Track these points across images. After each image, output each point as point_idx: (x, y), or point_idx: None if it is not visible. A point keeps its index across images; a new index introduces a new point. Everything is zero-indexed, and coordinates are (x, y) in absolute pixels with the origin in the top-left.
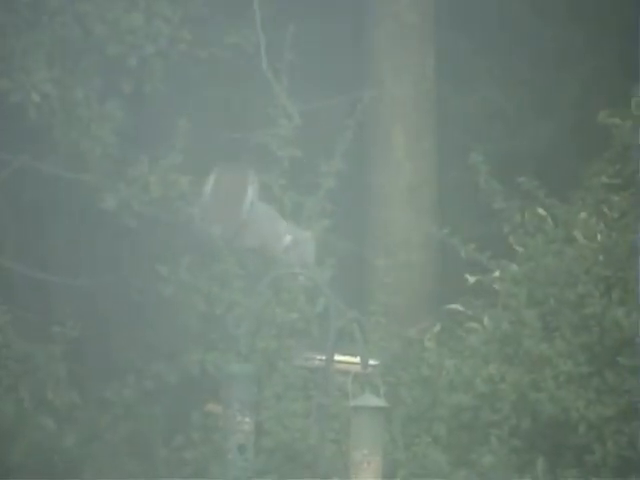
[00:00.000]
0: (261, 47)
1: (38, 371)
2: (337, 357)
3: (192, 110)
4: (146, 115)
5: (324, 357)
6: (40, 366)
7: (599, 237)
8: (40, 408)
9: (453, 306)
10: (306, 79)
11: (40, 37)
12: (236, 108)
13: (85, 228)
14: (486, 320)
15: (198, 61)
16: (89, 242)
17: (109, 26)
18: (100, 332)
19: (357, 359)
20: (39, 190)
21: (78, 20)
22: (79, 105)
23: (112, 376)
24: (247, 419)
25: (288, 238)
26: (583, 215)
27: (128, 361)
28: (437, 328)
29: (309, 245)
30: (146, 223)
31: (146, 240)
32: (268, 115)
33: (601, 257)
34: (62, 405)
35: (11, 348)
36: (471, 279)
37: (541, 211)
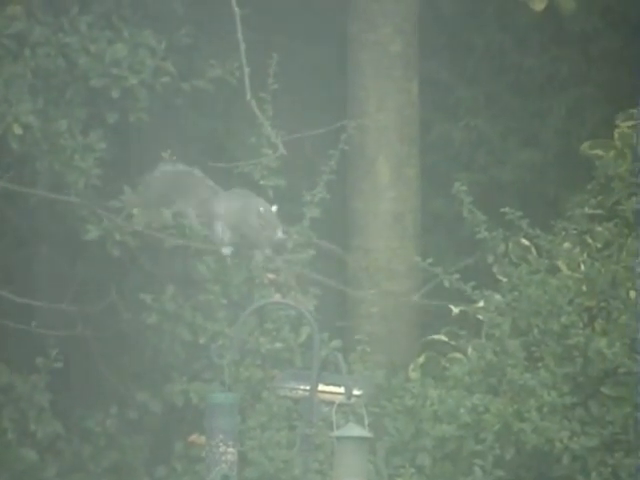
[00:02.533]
0: (245, 77)
1: (21, 401)
2: (321, 387)
3: (176, 141)
4: (130, 146)
5: (308, 387)
6: (23, 396)
7: (582, 267)
8: (22, 439)
9: (437, 336)
10: (290, 108)
11: (23, 68)
12: (220, 138)
13: (69, 256)
14: (470, 350)
15: (182, 93)
16: (73, 270)
17: (93, 58)
18: (84, 362)
19: (341, 389)
20: (22, 217)
21: (62, 52)
22: (63, 136)
23: (95, 406)
24: (231, 449)
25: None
26: (567, 245)
27: (111, 391)
28: (421, 358)
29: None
30: (130, 252)
31: (130, 269)
32: (252, 145)
33: (584, 287)
34: (45, 436)
35: None
36: (455, 309)
37: (525, 241)
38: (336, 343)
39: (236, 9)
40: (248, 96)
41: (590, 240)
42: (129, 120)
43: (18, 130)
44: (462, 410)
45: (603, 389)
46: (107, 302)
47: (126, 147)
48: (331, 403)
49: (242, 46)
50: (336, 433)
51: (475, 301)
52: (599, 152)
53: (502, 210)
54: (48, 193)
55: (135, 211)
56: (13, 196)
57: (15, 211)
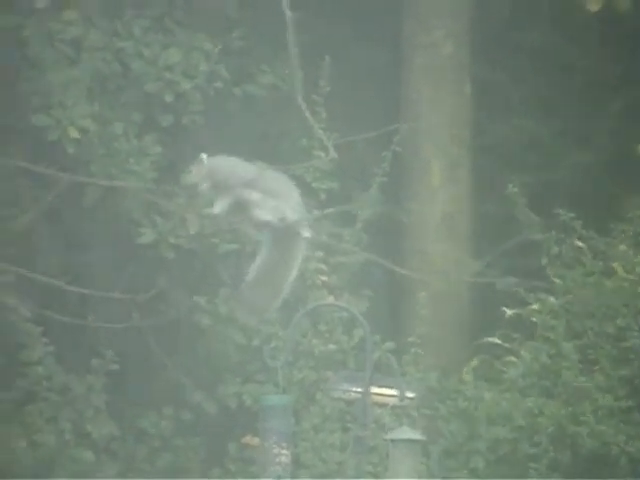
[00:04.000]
0: (296, 81)
1: (77, 403)
2: (374, 389)
3: (229, 143)
4: (184, 149)
5: (361, 389)
6: (79, 398)
7: (638, 269)
8: (79, 440)
9: (490, 339)
10: (342, 111)
11: (79, 73)
12: (272, 141)
13: (124, 258)
14: (524, 353)
15: (234, 97)
16: (128, 273)
17: (147, 62)
18: (138, 363)
19: (394, 391)
20: (78, 220)
21: (117, 56)
22: (118, 140)
23: (150, 407)
24: (284, 451)
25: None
26: (622, 247)
27: (166, 392)
28: (474, 361)
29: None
30: (184, 255)
31: (184, 272)
32: (304, 147)
33: None
34: (101, 437)
35: (52, 380)
36: (508, 312)
37: (579, 243)
38: (389, 345)
39: (288, 12)
40: (299, 99)
41: None
42: (182, 124)
43: (74, 134)
44: (516, 413)
45: None
46: (161, 305)
47: (180, 150)
48: (384, 405)
49: (294, 49)
50: (389, 435)
51: (529, 303)
52: None
53: (555, 212)
54: (98, 180)
55: (188, 215)
56: (69, 197)
57: (71, 212)
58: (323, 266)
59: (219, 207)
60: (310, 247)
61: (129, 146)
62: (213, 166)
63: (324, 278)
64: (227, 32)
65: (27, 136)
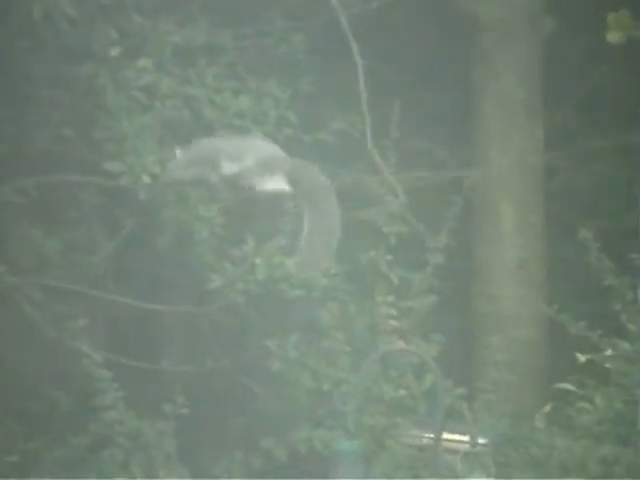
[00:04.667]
0: (366, 127)
1: (149, 448)
2: (446, 435)
3: None
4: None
5: (432, 435)
6: (151, 443)
7: None
8: None
9: (563, 385)
10: (413, 155)
11: (152, 120)
12: (343, 186)
13: (194, 302)
14: (598, 399)
15: (304, 144)
16: (198, 317)
17: (218, 109)
18: (209, 408)
19: (466, 437)
20: (148, 264)
21: (188, 103)
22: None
23: (221, 453)
24: None
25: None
26: None
27: (237, 438)
28: (547, 407)
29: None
30: (254, 299)
31: (255, 316)
32: (375, 192)
33: None
34: None
35: (124, 425)
36: (582, 358)
37: None
38: (460, 391)
39: (359, 59)
40: (369, 145)
41: None
42: None
43: (147, 180)
44: (590, 461)
45: None
46: (231, 349)
47: (249, 194)
48: (456, 452)
49: (364, 96)
50: None
51: (602, 349)
52: None
53: (630, 256)
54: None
55: (258, 260)
56: (141, 243)
57: (142, 258)
58: (393, 311)
59: None
60: (380, 292)
61: (199, 192)
62: (197, 150)
63: (394, 323)
64: (297, 78)
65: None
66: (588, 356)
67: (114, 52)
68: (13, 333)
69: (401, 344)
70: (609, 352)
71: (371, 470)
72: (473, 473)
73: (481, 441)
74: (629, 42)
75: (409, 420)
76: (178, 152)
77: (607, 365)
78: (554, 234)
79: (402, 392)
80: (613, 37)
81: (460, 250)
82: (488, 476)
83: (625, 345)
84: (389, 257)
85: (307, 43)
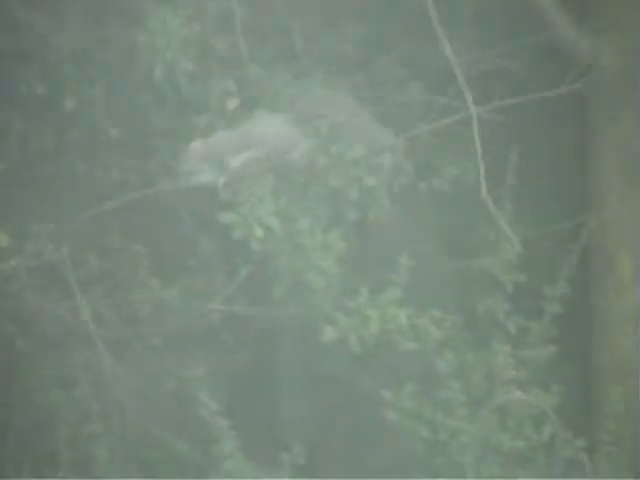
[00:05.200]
0: (480, 176)
1: None
2: None
3: (413, 237)
4: (368, 245)
5: None
6: None
7: None
8: None
9: None
10: (529, 203)
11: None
12: (458, 234)
13: (307, 354)
14: None
15: (419, 192)
16: (313, 367)
17: (333, 158)
18: (325, 457)
19: None
20: (263, 313)
21: None
22: (303, 235)
23: None
24: None
25: None
26: None
27: None
28: None
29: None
30: (369, 350)
31: (369, 366)
32: (490, 241)
33: None
34: None
35: (242, 474)
36: None
37: None
38: (580, 442)
39: (472, 107)
40: (483, 194)
41: None
42: (367, 218)
43: (260, 233)
44: None
45: None
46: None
47: (364, 245)
48: None
49: (479, 144)
50: None
51: None
52: None
53: None
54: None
55: (369, 311)
56: (257, 291)
57: (258, 307)
58: (511, 360)
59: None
60: (497, 341)
61: (314, 242)
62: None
63: (512, 372)
64: (412, 127)
65: (216, 232)
66: None
67: (231, 104)
68: (133, 382)
69: (519, 394)
70: None
71: None
72: None
73: None
74: None
75: (528, 471)
76: (193, 145)
77: None
78: None
79: (521, 443)
80: None
81: (579, 299)
82: None
83: None
84: (506, 306)
85: (422, 91)
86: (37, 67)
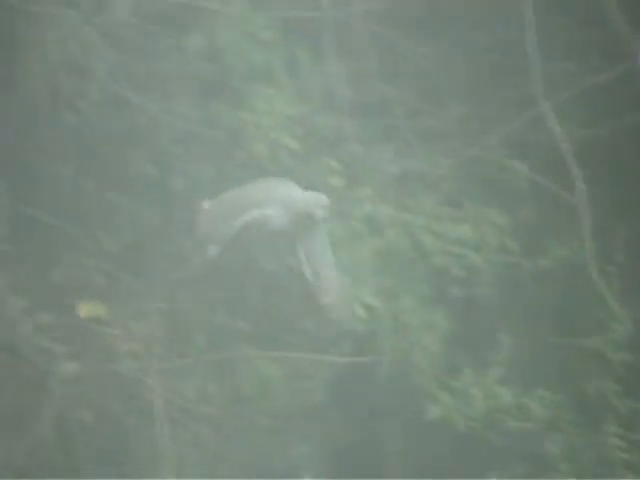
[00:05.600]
0: (589, 256)
1: None
2: None
3: (519, 315)
4: (473, 323)
5: None
6: None
7: None
8: None
9: None
10: (638, 281)
11: (369, 249)
12: (566, 313)
13: (412, 433)
14: None
15: (525, 271)
16: (416, 448)
17: (437, 237)
18: None
19: None
20: (367, 392)
21: (407, 230)
22: (405, 313)
23: None
24: None
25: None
26: None
27: None
28: None
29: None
30: (474, 430)
31: (475, 446)
32: (600, 320)
33: None
34: None
35: None
36: None
37: None
38: None
39: (580, 184)
40: (593, 275)
41: None
42: (472, 297)
43: (361, 313)
44: None
45: None
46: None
47: (469, 324)
48: None
49: (587, 222)
50: None
51: None
52: None
53: None
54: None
55: (473, 390)
56: (361, 370)
57: (361, 386)
58: (622, 443)
59: (214, 250)
60: (608, 423)
61: (417, 320)
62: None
63: (623, 455)
64: (518, 205)
65: (318, 312)
66: None
67: (335, 182)
68: (239, 460)
69: (631, 477)
70: None
71: None
72: None
73: None
74: None
75: None
76: (205, 204)
77: None
78: None
79: None
80: None
81: None
82: None
83: None
84: (616, 386)
85: (527, 169)
86: (147, 148)
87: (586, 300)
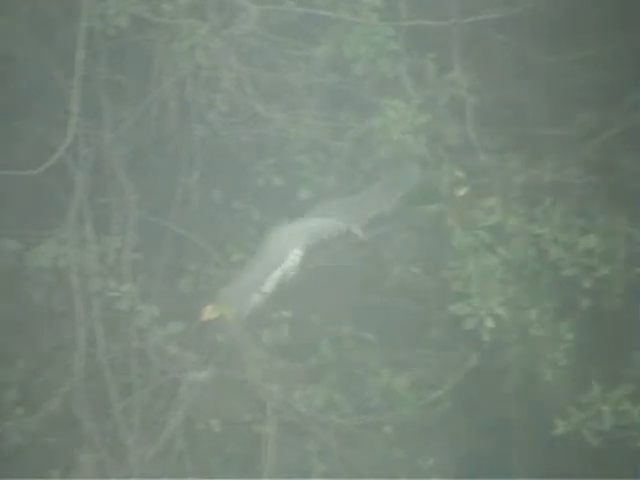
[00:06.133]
0: None
1: None
2: None
3: None
4: (600, 334)
5: None
6: None
7: None
8: None
9: None
10: None
11: (497, 260)
12: None
13: (540, 448)
14: None
15: None
16: (544, 462)
17: (564, 248)
18: None
19: None
20: (493, 404)
21: (534, 242)
22: (532, 325)
23: None
24: None
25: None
26: None
27: None
28: None
29: None
30: (603, 444)
31: (605, 460)
32: None
33: None
34: None
35: None
36: None
37: None
38: None
39: None
40: None
41: None
42: (602, 308)
43: (490, 323)
44: None
45: None
46: None
47: (596, 335)
48: None
49: None
50: None
51: None
52: None
53: None
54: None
55: (605, 407)
56: (486, 381)
57: (487, 398)
58: None
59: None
60: None
61: (543, 332)
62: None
63: None
64: None
65: (446, 322)
66: None
67: (461, 192)
68: (363, 469)
69: None
70: None
71: None
72: None
73: None
74: None
75: None
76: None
77: None
78: None
79: None
80: None
81: None
82: None
83: None
84: None
85: None
86: (274, 159)
87: None
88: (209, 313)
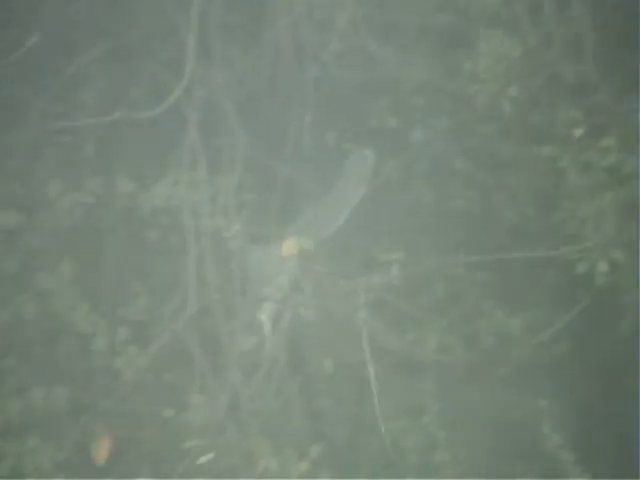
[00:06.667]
0: None
1: None
2: None
3: None
4: None
5: None
6: None
7: None
8: None
9: None
10: None
11: (613, 201)
12: None
13: None
14: None
15: None
16: None
17: None
18: None
19: None
20: (608, 345)
21: None
22: None
23: None
24: None
25: None
26: None
27: None
28: None
29: None
30: None
31: None
32: None
33: None
34: None
35: None
36: None
37: None
38: None
39: None
40: None
41: None
42: None
43: (604, 267)
44: None
45: None
46: None
47: None
48: None
49: None
50: None
51: None
52: None
53: None
54: None
55: None
56: (599, 325)
57: (602, 341)
58: None
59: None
60: None
61: None
62: None
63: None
64: None
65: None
66: None
67: (577, 133)
68: (481, 410)
69: None
70: None
71: None
72: None
73: None
74: None
75: None
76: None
77: None
78: None
79: None
80: None
81: None
82: None
83: None
84: None
85: None
86: (388, 100)
87: None
88: (289, 248)
